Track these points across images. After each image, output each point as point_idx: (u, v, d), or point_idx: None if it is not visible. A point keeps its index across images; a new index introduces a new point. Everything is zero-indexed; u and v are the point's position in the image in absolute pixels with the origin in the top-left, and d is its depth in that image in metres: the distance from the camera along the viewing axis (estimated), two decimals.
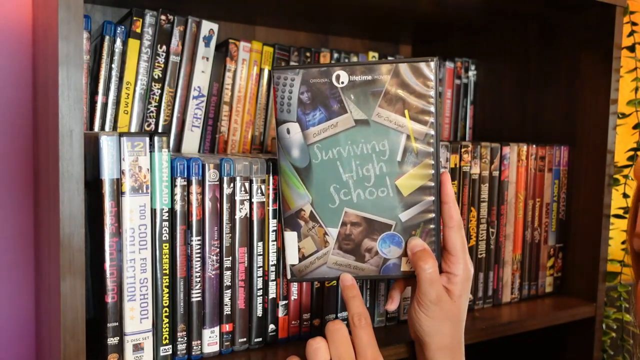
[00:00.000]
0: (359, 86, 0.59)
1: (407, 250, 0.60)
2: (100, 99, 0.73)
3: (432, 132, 0.59)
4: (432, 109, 0.58)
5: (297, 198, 0.61)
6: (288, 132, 0.60)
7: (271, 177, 0.64)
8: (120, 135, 0.56)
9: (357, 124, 0.59)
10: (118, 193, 0.56)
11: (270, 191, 0.64)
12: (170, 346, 0.60)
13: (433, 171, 0.59)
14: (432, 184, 0.59)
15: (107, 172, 0.55)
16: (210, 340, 0.62)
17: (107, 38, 0.73)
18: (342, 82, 0.59)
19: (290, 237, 0.62)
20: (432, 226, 0.60)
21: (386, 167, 0.59)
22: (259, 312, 0.65)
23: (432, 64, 0.58)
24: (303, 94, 0.60)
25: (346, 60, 0.94)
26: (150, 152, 0.57)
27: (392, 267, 0.61)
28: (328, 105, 0.59)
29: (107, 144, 0.55)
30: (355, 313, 0.58)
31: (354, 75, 0.59)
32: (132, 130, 0.75)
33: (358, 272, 0.61)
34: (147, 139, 0.57)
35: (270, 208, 0.64)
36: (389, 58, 1.04)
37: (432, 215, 0.60)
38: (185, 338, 0.61)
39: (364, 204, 0.60)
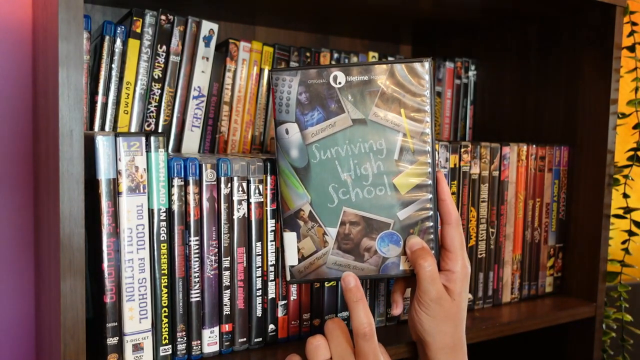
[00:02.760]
0: (356, 86, 0.59)
1: (405, 248, 0.60)
2: (100, 99, 0.73)
3: (428, 130, 0.59)
4: (428, 107, 0.59)
5: (296, 198, 0.61)
6: (287, 132, 0.61)
7: (269, 177, 0.64)
8: (117, 135, 0.56)
9: (354, 123, 0.59)
10: (115, 193, 0.56)
11: (268, 191, 0.64)
12: (170, 346, 0.60)
13: (429, 169, 0.59)
14: (429, 181, 0.60)
15: (104, 172, 0.55)
16: (210, 340, 0.62)
17: (107, 38, 0.73)
18: (340, 83, 0.59)
19: (290, 237, 0.62)
20: (429, 224, 0.60)
21: (383, 166, 0.60)
22: (259, 312, 0.65)
23: (427, 64, 0.58)
24: (301, 94, 0.60)
25: (346, 60, 0.94)
26: (147, 152, 0.57)
27: (392, 266, 0.61)
28: (326, 105, 0.59)
29: (102, 144, 0.55)
30: (360, 323, 0.56)
31: (351, 76, 0.59)
32: (132, 130, 0.75)
33: (357, 272, 0.61)
34: (143, 139, 0.57)
35: (269, 208, 0.64)
36: (389, 58, 1.04)
37: (430, 213, 0.60)
38: (185, 338, 0.61)
39: (362, 202, 0.60)
